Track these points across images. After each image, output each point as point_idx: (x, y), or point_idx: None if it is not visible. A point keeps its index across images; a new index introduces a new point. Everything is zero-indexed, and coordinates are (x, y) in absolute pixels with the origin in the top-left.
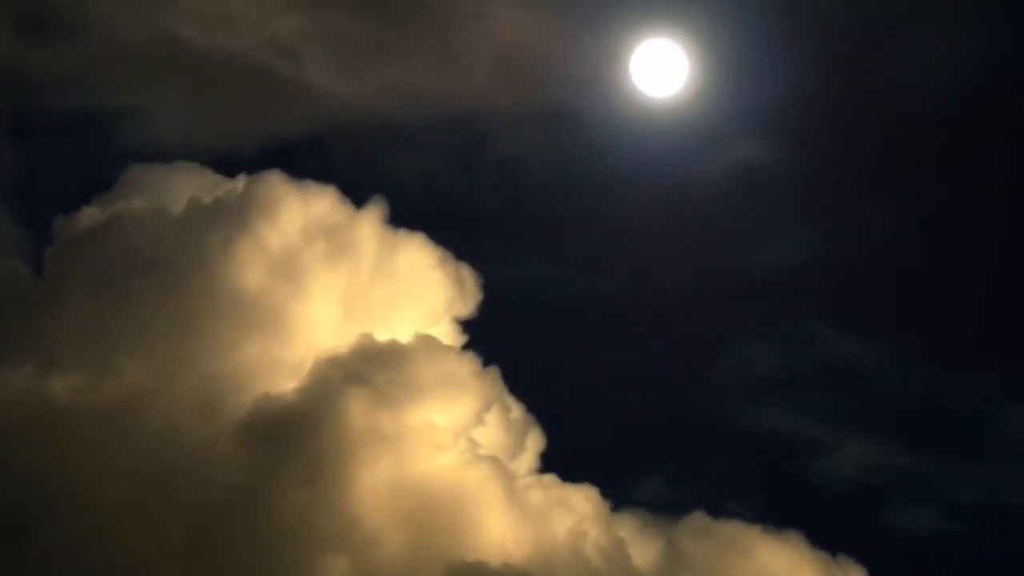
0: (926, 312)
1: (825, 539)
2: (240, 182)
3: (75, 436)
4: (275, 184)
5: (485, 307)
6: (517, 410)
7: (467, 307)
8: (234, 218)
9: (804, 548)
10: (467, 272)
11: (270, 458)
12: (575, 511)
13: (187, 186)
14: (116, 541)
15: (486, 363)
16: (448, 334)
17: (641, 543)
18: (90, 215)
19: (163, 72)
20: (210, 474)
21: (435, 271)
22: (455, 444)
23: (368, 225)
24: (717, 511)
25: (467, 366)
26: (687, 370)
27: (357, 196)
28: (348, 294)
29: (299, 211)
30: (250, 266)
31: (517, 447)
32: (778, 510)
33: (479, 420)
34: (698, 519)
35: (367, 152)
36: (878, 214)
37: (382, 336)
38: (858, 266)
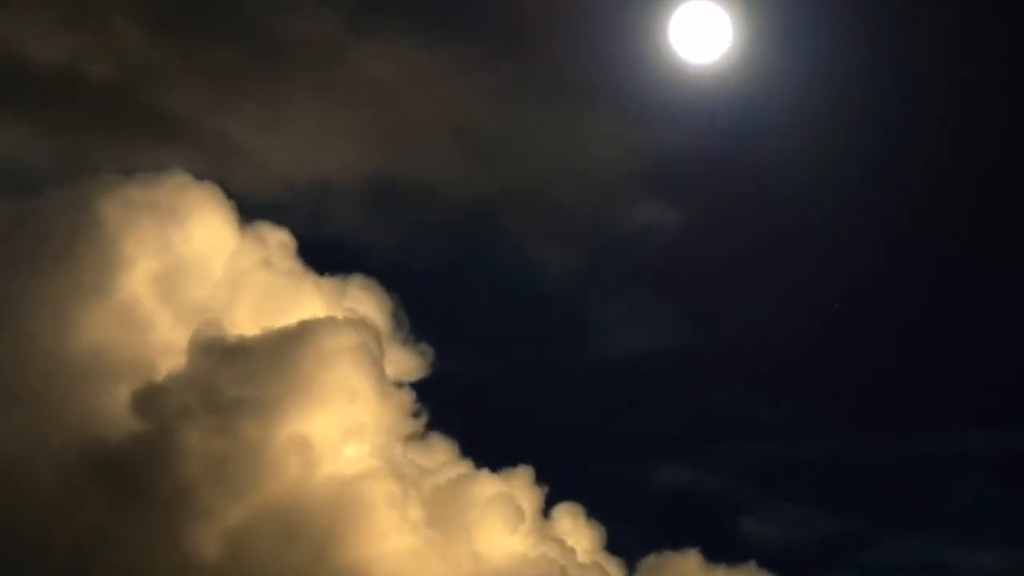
0: (832, 382)
1: None
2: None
3: None
4: (92, 192)
5: None
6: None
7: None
8: (43, 237)
9: None
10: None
11: (102, 510)
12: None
13: None
14: None
15: None
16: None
17: None
18: None
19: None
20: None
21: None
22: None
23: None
24: None
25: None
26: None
27: None
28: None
29: (117, 219)
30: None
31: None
32: None
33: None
34: None
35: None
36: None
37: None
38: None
